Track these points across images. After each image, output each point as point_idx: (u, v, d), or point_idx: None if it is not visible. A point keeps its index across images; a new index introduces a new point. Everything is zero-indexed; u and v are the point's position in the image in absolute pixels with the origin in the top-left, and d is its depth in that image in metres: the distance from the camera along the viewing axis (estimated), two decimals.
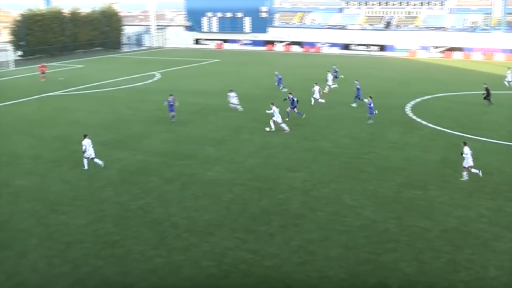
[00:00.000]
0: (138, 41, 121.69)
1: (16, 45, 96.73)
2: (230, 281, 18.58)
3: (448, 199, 25.60)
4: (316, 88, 49.65)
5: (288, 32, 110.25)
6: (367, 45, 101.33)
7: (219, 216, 23.76)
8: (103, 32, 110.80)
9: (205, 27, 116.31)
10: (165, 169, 30.82)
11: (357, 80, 50.56)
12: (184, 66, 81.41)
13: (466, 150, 28.16)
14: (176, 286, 18.36)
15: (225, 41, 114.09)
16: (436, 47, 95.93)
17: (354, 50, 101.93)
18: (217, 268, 19.28)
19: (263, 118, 41.67)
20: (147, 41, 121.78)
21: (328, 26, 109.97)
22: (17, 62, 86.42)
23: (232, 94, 46.60)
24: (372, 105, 41.74)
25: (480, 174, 28.37)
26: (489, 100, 48.00)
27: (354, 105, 48.13)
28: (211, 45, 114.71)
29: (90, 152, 31.21)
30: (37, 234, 22.75)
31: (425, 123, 41.27)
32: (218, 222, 23.11)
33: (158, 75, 70.38)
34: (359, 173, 29.43)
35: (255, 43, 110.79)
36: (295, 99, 42.81)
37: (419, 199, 25.75)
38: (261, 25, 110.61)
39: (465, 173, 28.47)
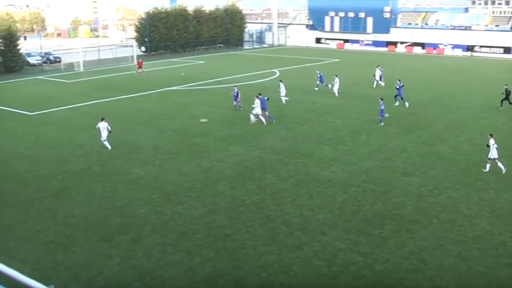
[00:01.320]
0: (260, 39, 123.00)
1: (140, 41, 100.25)
2: (340, 282, 18.52)
3: None
4: (337, 80, 53.80)
5: (411, 33, 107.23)
6: (471, 46, 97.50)
7: (332, 216, 23.74)
8: (225, 29, 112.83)
9: (327, 26, 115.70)
10: (281, 166, 31.07)
11: (399, 80, 49.26)
12: (304, 65, 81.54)
13: (492, 141, 29.62)
14: (285, 284, 18.45)
15: (346, 41, 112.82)
16: None
17: (478, 52, 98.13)
18: (327, 269, 19.28)
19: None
20: (268, 39, 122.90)
21: (452, 27, 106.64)
22: (139, 58, 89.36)
23: (282, 85, 48.97)
24: (383, 107, 40.97)
25: (504, 170, 29.30)
26: (507, 101, 46.52)
27: (396, 103, 47.92)
28: (332, 45, 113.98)
29: (103, 134, 34.96)
30: (152, 221, 23.63)
31: None
32: (331, 222, 23.09)
33: (278, 73, 70.88)
34: (476, 182, 28.43)
35: (376, 43, 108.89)
36: (266, 100, 42.40)
37: None
38: (383, 25, 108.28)
39: (488, 165, 29.78)
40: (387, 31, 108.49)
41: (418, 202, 25.55)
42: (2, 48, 78.48)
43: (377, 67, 61.12)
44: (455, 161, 31.94)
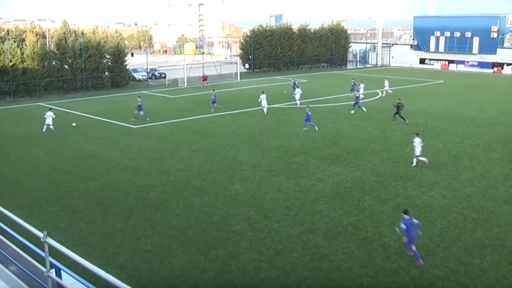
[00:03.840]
0: (363, 59, 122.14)
1: (245, 58, 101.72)
2: None
3: None
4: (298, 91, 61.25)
5: None
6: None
7: (431, 242, 23.10)
8: (329, 49, 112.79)
9: (431, 47, 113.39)
10: (380, 188, 30.60)
11: (357, 91, 58.93)
12: (407, 86, 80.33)
13: (416, 140, 34.87)
14: None
15: (451, 61, 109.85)
16: None
17: None
18: None
19: (485, 145, 40.15)
20: (372, 59, 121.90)
21: None
22: (242, 75, 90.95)
23: (263, 96, 55.41)
24: (309, 114, 46.07)
25: (414, 163, 34.90)
26: (395, 117, 49.26)
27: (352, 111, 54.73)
28: (436, 66, 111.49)
29: (48, 120, 46.79)
30: (249, 237, 23.74)
31: None
32: (429, 248, 22.47)
33: (380, 93, 70.09)
34: None
35: (481, 64, 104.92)
36: (141, 103, 52.07)
37: None
38: (490, 46, 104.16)
39: (414, 160, 34.96)
40: (494, 52, 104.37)
41: None
42: (110, 63, 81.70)
43: (385, 78, 71.94)
44: None
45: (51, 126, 46.94)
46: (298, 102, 60.18)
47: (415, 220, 21.21)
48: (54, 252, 9.09)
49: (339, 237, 23.71)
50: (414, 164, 34.84)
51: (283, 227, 24.83)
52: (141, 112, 51.87)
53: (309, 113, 46.13)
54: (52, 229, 22.84)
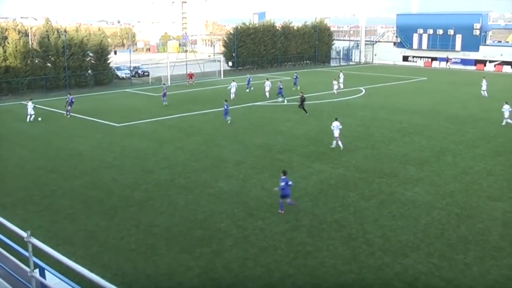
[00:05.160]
0: (347, 56, 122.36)
1: (228, 56, 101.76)
2: None
3: None
4: (267, 82, 65.18)
5: (500, 51, 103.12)
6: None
7: (415, 238, 23.20)
8: (313, 46, 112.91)
9: (414, 44, 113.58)
10: (364, 185, 30.69)
11: (280, 81, 63.71)
12: (390, 83, 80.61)
13: (334, 124, 38.39)
14: None
15: (434, 59, 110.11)
16: None
17: None
18: None
19: (469, 141, 40.40)
20: (355, 56, 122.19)
21: None
22: (226, 73, 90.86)
23: (233, 83, 63.49)
24: (227, 107, 49.01)
25: (334, 145, 38.48)
26: (303, 108, 52.49)
27: (280, 99, 60.53)
28: (419, 63, 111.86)
29: (29, 111, 50.58)
30: (233, 235, 23.72)
31: None
32: (413, 244, 22.56)
33: (363, 91, 70.35)
34: None
35: (465, 62, 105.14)
36: (73, 100, 53.97)
37: None
38: (472, 43, 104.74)
39: (334, 142, 38.50)
40: (476, 49, 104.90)
41: (504, 228, 24.58)
42: (93, 61, 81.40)
43: (340, 71, 77.10)
44: None
45: (33, 116, 50.87)
46: (267, 94, 63.66)
47: (290, 182, 25.79)
48: (38, 252, 9.05)
49: (324, 234, 23.75)
50: (334, 145, 38.55)
51: (268, 225, 24.84)
52: (68, 107, 53.99)
53: (226, 107, 49.06)
54: (36, 229, 22.74)
